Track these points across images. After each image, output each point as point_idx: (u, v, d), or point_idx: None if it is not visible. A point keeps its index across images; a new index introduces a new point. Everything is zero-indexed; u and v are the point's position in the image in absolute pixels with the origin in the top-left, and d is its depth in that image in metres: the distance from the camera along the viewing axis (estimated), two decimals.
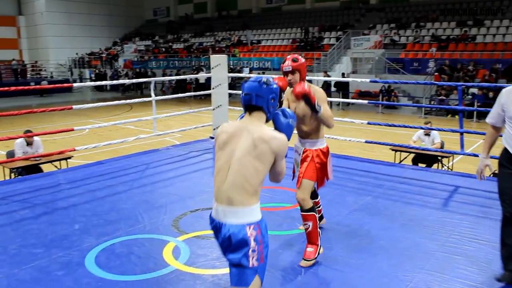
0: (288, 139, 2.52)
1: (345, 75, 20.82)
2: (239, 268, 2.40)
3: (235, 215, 2.39)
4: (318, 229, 3.73)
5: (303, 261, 3.67)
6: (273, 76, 3.45)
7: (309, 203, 3.69)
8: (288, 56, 3.79)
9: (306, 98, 3.47)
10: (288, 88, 3.74)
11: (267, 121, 2.55)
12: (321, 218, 4.28)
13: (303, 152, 3.84)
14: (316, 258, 3.69)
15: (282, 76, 3.70)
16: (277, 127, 2.58)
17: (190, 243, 4.10)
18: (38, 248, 4.02)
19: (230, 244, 2.39)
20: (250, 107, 2.52)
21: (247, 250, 2.35)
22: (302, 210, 3.70)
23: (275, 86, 2.54)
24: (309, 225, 3.67)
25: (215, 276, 3.52)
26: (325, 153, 3.85)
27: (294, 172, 4.01)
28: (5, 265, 3.70)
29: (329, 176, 3.90)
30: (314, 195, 4.09)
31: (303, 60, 3.76)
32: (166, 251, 3.94)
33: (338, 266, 3.66)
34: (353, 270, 3.59)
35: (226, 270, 3.57)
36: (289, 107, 3.84)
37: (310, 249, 3.70)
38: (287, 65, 3.68)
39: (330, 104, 19.69)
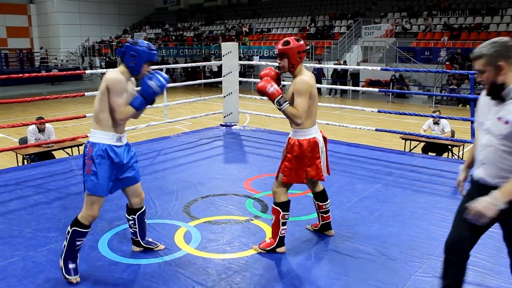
0: (148, 99, 3.21)
1: (347, 64, 20.71)
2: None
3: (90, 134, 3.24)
4: (282, 226, 3.61)
5: (255, 246, 3.72)
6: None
7: (279, 197, 3.58)
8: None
9: (262, 94, 3.43)
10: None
11: (131, 74, 3.18)
12: (327, 227, 3.96)
13: (287, 141, 3.64)
14: (267, 251, 3.65)
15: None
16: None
17: (201, 228, 4.15)
18: (52, 232, 4.10)
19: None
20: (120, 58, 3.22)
21: (84, 159, 3.21)
22: (274, 202, 3.63)
23: (139, 47, 3.12)
24: (273, 219, 3.63)
25: (226, 260, 3.57)
26: (302, 145, 3.51)
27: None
28: (21, 247, 3.78)
29: (316, 173, 3.59)
30: (321, 197, 3.87)
31: (298, 43, 3.45)
32: (178, 235, 3.99)
33: (347, 252, 3.69)
34: (364, 256, 3.62)
35: (237, 255, 3.64)
36: None
37: (268, 240, 3.72)
38: (276, 48, 3.49)
39: (340, 92, 19.69)
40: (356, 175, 5.70)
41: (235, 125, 8.66)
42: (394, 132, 7.97)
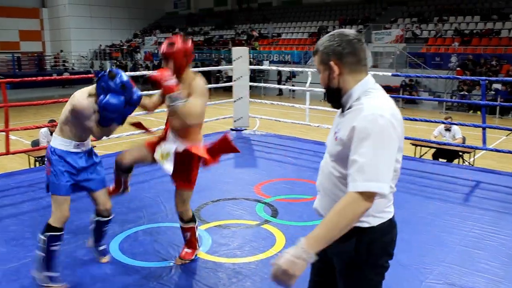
0: (107, 118, 3.16)
1: None
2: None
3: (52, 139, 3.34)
4: (197, 235, 3.62)
5: (178, 259, 3.62)
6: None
7: (189, 214, 3.52)
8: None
9: (158, 84, 3.08)
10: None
11: (97, 96, 3.12)
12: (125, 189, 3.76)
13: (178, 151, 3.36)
14: (192, 259, 3.63)
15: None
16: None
17: (212, 232, 4.17)
18: (64, 234, 4.12)
19: None
20: None
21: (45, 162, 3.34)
22: (182, 220, 3.54)
23: (111, 82, 3.05)
24: (188, 235, 3.57)
25: (236, 264, 3.58)
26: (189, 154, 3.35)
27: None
28: (34, 249, 3.79)
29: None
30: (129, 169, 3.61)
31: (184, 44, 3.16)
32: None
33: None
34: None
35: (248, 259, 3.65)
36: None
37: (187, 250, 3.63)
38: (160, 49, 3.20)
39: None
40: None
41: (245, 129, 8.68)
42: (405, 138, 7.94)
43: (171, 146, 3.38)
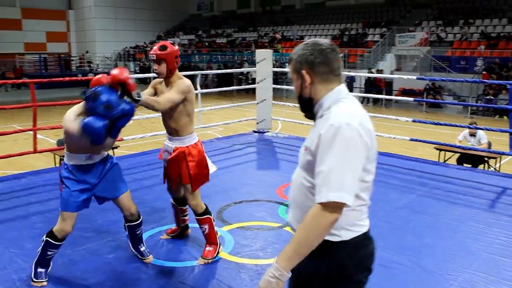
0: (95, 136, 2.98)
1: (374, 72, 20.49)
2: None
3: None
4: (215, 229, 3.70)
5: (200, 259, 3.66)
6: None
7: (201, 206, 3.63)
8: (158, 42, 3.52)
9: (118, 81, 3.05)
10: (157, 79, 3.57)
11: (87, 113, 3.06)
12: (186, 228, 4.11)
13: (173, 151, 3.59)
14: (215, 257, 3.66)
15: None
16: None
17: (234, 233, 4.19)
18: (88, 232, 4.20)
19: None
20: None
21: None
22: (196, 214, 3.65)
23: (95, 103, 2.98)
24: (205, 228, 3.64)
25: (259, 266, 3.59)
26: (197, 148, 3.63)
27: (165, 176, 3.84)
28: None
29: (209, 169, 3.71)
30: (183, 201, 3.88)
31: (174, 47, 3.40)
32: None
33: (381, 262, 3.64)
34: (397, 266, 3.58)
35: (270, 261, 3.65)
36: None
37: (209, 248, 3.68)
38: (152, 53, 3.35)
39: (374, 100, 19.49)
40: (389, 185, 5.64)
41: (268, 131, 8.69)
42: (429, 142, 7.85)
43: (169, 145, 3.65)
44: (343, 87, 1.80)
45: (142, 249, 3.70)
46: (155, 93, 3.59)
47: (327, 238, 1.72)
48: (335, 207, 1.62)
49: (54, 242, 3.28)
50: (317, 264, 1.79)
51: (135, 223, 3.55)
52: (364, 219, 1.84)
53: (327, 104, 1.77)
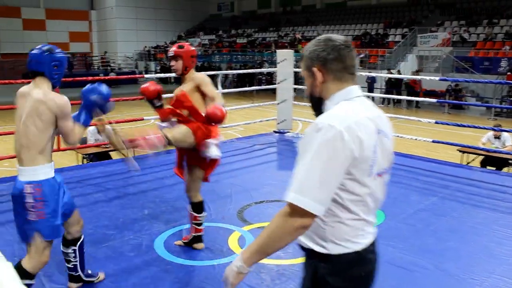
0: (89, 117, 3.03)
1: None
2: (25, 223, 2.70)
3: (22, 173, 2.70)
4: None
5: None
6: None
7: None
8: (178, 42, 3.76)
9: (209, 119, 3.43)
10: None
11: (53, 86, 2.80)
12: (198, 239, 3.96)
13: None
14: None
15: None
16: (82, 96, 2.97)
17: (255, 233, 4.19)
18: (111, 230, 4.25)
19: (13, 198, 2.73)
20: (33, 73, 2.76)
21: (25, 205, 2.65)
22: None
23: (58, 54, 2.78)
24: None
25: (280, 266, 3.59)
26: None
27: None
28: None
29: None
30: (199, 208, 3.91)
31: (191, 48, 3.70)
32: (232, 240, 4.05)
33: (402, 265, 3.62)
34: (419, 269, 3.54)
35: (291, 261, 3.65)
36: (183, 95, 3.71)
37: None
38: (171, 50, 3.66)
39: (393, 102, 19.28)
40: (410, 187, 5.58)
41: (288, 132, 8.67)
42: (452, 144, 7.74)
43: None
44: (355, 88, 1.68)
45: (89, 271, 3.31)
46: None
47: (313, 247, 1.65)
48: (302, 213, 1.52)
49: (29, 281, 2.75)
50: (305, 273, 1.76)
51: (83, 237, 3.21)
52: (359, 236, 1.65)
53: (331, 103, 1.66)
